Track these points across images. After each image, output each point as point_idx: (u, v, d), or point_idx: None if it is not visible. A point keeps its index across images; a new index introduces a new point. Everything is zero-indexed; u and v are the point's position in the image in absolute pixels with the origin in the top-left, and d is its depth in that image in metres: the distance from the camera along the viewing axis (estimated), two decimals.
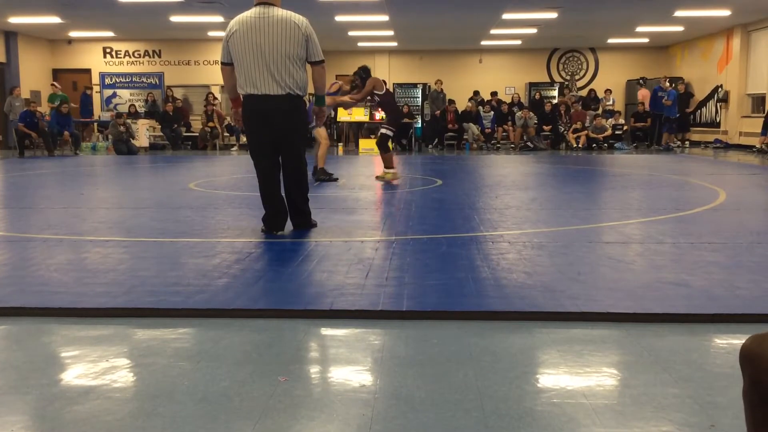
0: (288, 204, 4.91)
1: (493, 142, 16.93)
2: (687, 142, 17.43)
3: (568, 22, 15.26)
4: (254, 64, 4.56)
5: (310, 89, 5.18)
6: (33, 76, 17.88)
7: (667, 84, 16.82)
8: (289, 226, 4.93)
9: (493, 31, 16.65)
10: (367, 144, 15.53)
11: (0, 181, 9.45)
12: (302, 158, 4.90)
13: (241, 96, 4.76)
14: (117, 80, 19.12)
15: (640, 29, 16.53)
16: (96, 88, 19.08)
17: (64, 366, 2.42)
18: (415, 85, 19.32)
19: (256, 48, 4.53)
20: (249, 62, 4.56)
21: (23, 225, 5.43)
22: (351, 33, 16.83)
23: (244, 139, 16.51)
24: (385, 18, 14.55)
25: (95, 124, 18.15)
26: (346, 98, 8.62)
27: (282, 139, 4.74)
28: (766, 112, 14.85)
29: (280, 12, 4.57)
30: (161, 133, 17.13)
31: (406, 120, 16.45)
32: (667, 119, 16.54)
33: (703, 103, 17.95)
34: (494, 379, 2.23)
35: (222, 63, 4.75)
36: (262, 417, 1.96)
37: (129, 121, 16.02)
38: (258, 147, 4.80)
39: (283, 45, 4.54)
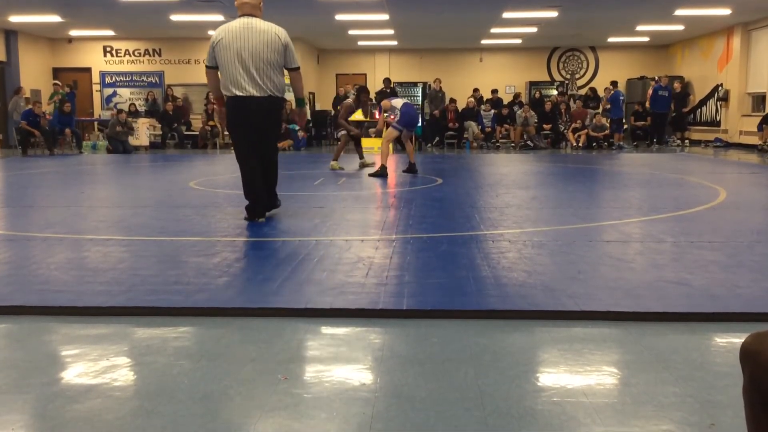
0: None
1: (493, 141, 16.91)
2: (687, 141, 17.43)
3: (569, 21, 15.24)
4: (239, 69, 5.05)
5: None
6: (33, 75, 17.87)
7: (652, 82, 16.98)
8: (281, 222, 4.93)
9: (493, 30, 16.63)
10: (367, 143, 15.50)
11: (1, 180, 9.44)
12: (276, 151, 5.62)
13: (224, 96, 5.23)
14: (117, 79, 19.12)
15: (640, 28, 16.51)
16: (96, 87, 19.09)
17: (64, 364, 2.42)
18: (415, 84, 19.28)
19: (241, 55, 5.03)
20: (234, 67, 5.06)
21: (24, 224, 5.43)
22: (351, 32, 16.81)
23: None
24: (385, 17, 14.54)
25: (96, 122, 18.15)
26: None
27: (262, 134, 5.28)
28: (766, 110, 14.84)
29: (262, 24, 5.13)
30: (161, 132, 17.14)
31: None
32: (613, 120, 16.72)
33: (703, 101, 17.94)
34: (494, 377, 2.24)
35: (207, 66, 5.27)
36: (263, 416, 1.97)
37: (129, 119, 16.01)
38: (245, 146, 5.29)
39: (265, 52, 5.07)
